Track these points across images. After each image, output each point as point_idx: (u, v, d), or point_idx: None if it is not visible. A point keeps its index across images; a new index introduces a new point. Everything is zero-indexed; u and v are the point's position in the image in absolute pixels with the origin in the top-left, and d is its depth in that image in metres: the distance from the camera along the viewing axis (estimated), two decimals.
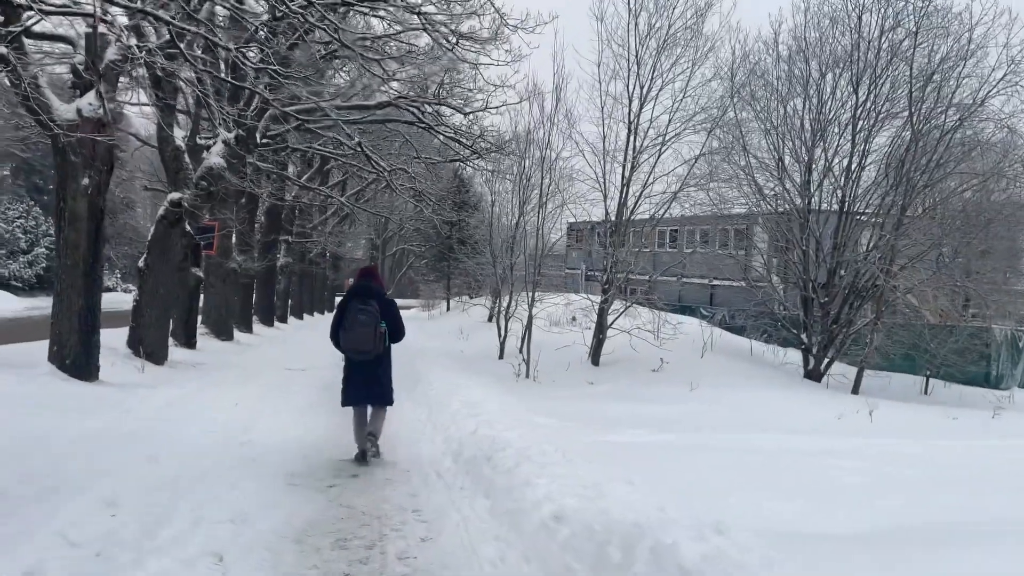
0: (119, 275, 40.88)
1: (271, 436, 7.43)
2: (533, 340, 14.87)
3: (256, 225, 25.36)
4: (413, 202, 17.88)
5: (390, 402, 6.79)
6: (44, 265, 32.78)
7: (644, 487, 4.97)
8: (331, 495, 5.32)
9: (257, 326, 23.48)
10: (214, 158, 12.91)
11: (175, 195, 12.37)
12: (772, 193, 17.20)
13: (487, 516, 4.70)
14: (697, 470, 5.83)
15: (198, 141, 15.35)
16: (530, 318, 14.82)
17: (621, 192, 15.19)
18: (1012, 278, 21.60)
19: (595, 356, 15.52)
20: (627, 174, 15.04)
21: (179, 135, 12.68)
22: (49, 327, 9.79)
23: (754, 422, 9.56)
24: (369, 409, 6.75)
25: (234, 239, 19.47)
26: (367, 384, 6.62)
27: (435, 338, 23.00)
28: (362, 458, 6.50)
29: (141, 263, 12.72)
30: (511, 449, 5.91)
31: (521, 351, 17.50)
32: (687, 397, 11.87)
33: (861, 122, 16.22)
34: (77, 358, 9.63)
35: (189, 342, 15.52)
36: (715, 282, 28.04)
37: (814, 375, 16.69)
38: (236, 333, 19.73)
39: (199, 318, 18.41)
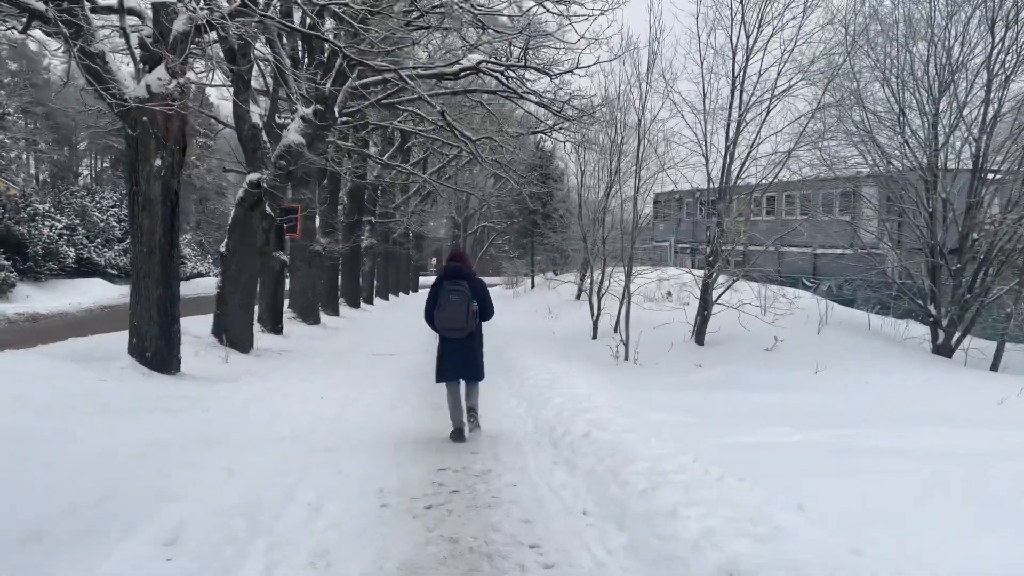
0: (211, 260, 41.68)
1: (359, 437, 6.65)
2: (629, 318, 13.76)
3: (339, 207, 25.00)
4: (500, 173, 16.90)
5: (482, 376, 7.05)
6: None
7: (820, 516, 3.90)
8: (429, 521, 4.44)
9: (344, 308, 23.14)
10: (292, 135, 12.25)
11: (254, 175, 11.78)
12: (892, 151, 15.47)
13: (629, 559, 3.71)
14: (872, 485, 4.68)
15: (277, 120, 14.79)
16: (628, 295, 13.69)
17: (725, 154, 13.81)
18: None
19: (699, 335, 14.29)
20: (732, 134, 13.64)
21: (256, 112, 12.07)
22: (128, 318, 9.34)
23: (904, 412, 8.24)
24: (463, 386, 6.95)
25: (317, 221, 19.02)
26: (461, 360, 6.86)
27: (522, 317, 22.14)
28: (459, 436, 6.73)
29: (222, 248, 12.24)
30: (640, 462, 4.90)
31: (616, 330, 16.43)
32: (814, 382, 10.57)
33: (997, 66, 14.28)
34: (158, 351, 9.14)
35: (275, 327, 15.11)
36: (819, 250, 26.16)
37: (944, 350, 14.98)
38: (323, 316, 19.36)
39: (285, 302, 18.08)
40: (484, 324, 7.08)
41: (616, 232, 16.85)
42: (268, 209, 13.61)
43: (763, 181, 14.14)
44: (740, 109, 13.69)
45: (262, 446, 6.04)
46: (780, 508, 3.98)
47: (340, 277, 24.61)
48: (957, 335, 14.91)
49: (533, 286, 32.83)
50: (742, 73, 13.51)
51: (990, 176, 15.01)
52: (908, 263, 16.25)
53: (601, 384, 9.30)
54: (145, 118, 8.91)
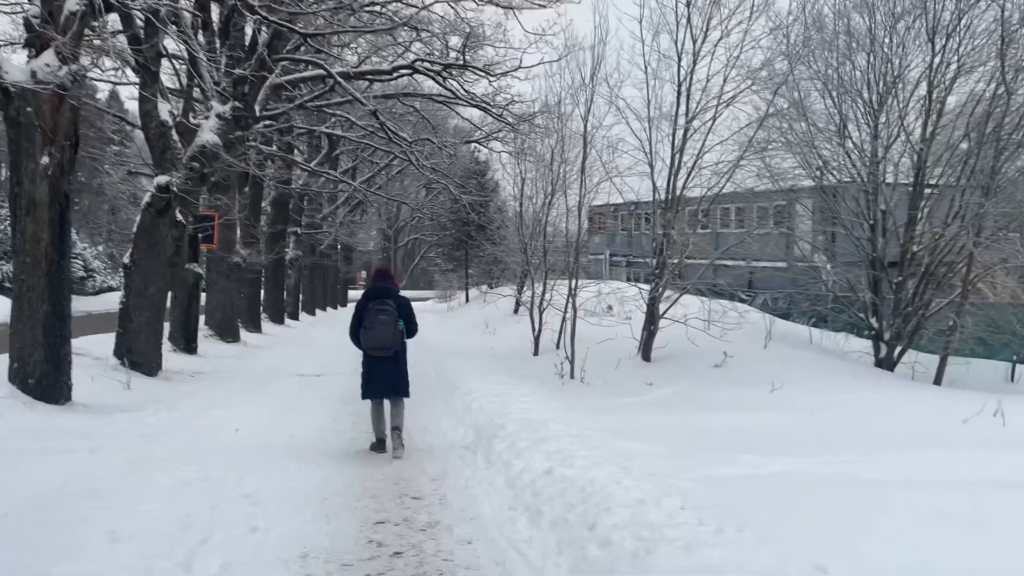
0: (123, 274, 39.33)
1: (281, 479, 5.66)
2: (575, 334, 13.04)
3: (263, 217, 23.66)
4: (437, 179, 16.06)
5: (407, 394, 7.13)
6: None
7: None
8: None
9: (267, 324, 21.77)
10: (207, 135, 11.11)
11: (162, 178, 10.58)
12: (834, 162, 15.27)
13: None
14: (894, 528, 4.01)
15: (191, 120, 13.56)
16: (574, 309, 12.98)
17: (672, 163, 13.29)
18: None
19: (646, 351, 13.68)
20: (679, 142, 13.12)
21: (165, 109, 10.87)
22: (8, 339, 8.05)
23: (876, 434, 7.71)
24: (387, 404, 7.04)
25: (238, 231, 17.72)
26: (386, 379, 6.94)
27: (459, 334, 21.24)
28: (380, 447, 6.90)
29: (126, 259, 10.98)
30: (620, 510, 4.10)
31: (559, 346, 15.72)
32: (773, 401, 10.01)
33: (938, 76, 14.22)
34: (44, 376, 7.89)
35: (189, 347, 13.80)
36: (754, 263, 26.15)
37: (887, 363, 14.78)
38: (243, 333, 18.03)
39: (201, 319, 16.74)
40: (416, 341, 7.27)
41: (558, 242, 16.17)
42: (179, 216, 12.40)
43: (708, 191, 13.67)
44: (687, 116, 13.20)
45: (161, 496, 4.99)
46: (796, 567, 3.24)
47: (263, 291, 23.23)
48: (898, 349, 14.73)
49: (468, 300, 31.95)
50: (688, 78, 13.03)
51: (927, 190, 14.93)
52: (849, 275, 16.06)
53: (553, 407, 8.49)
54: (30, 109, 7.71)
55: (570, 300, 13.06)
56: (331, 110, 18.18)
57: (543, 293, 16.14)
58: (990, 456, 6.42)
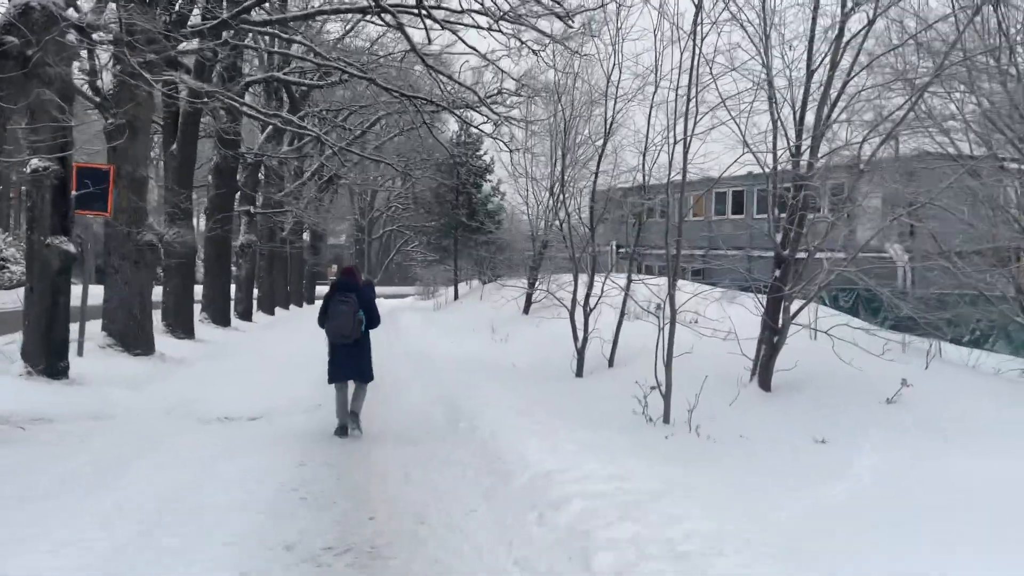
0: None
1: None
2: (671, 355, 8.15)
3: (204, 189, 18.62)
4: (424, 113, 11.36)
5: (370, 378, 7.75)
6: None
7: None
8: None
9: (205, 328, 16.66)
10: None
11: None
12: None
13: None
14: None
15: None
16: (672, 311, 8.03)
17: (809, 81, 8.43)
18: None
19: (764, 376, 8.89)
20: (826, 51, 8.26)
21: None
22: None
23: None
24: (351, 387, 7.58)
25: (155, 197, 12.68)
26: (349, 363, 7.56)
27: (459, 339, 16.30)
28: (343, 432, 7.38)
29: None
30: None
31: (612, 364, 10.93)
32: None
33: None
34: None
35: (53, 368, 8.75)
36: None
37: None
38: (164, 341, 12.98)
39: (97, 323, 11.79)
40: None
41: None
42: (38, 163, 7.56)
43: (869, 139, 8.78)
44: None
45: None
46: None
47: (205, 284, 18.11)
48: None
49: (457, 297, 26.97)
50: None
51: None
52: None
53: (701, 514, 3.68)
54: None
55: (670, 296, 8.14)
56: (288, 33, 13.18)
57: (589, 288, 11.29)
58: None
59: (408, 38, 11.00)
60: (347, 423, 7.36)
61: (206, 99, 12.80)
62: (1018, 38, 9.08)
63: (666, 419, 7.86)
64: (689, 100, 7.88)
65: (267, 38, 14.65)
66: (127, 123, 11.40)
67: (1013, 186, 9.93)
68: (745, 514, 4.37)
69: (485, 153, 28.27)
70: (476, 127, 13.03)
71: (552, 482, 4.78)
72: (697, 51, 7.82)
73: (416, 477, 5.63)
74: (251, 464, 5.72)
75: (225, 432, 7.00)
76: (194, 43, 12.62)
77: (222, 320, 17.98)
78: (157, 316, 13.72)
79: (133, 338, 11.61)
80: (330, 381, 7.57)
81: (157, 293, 14.91)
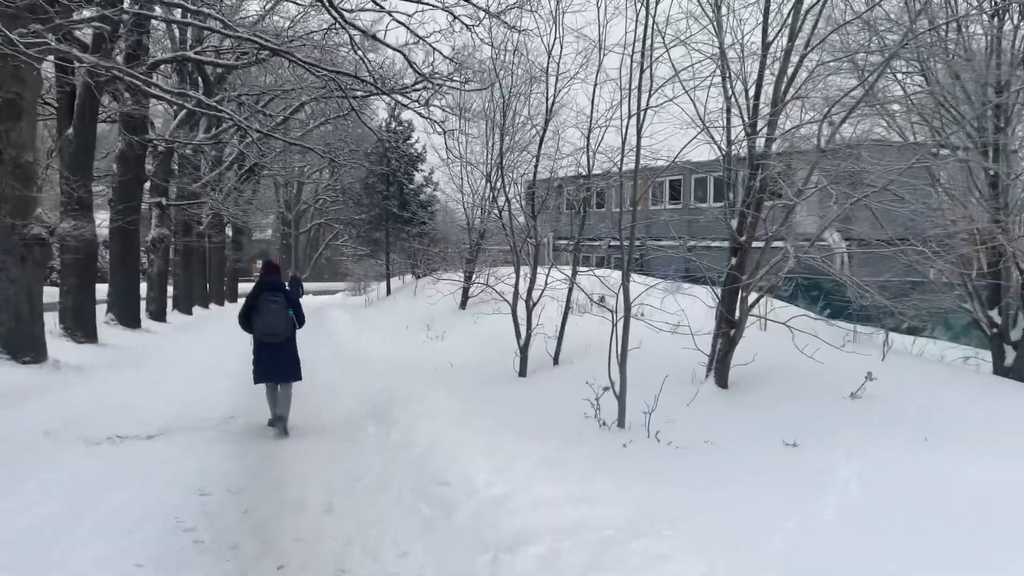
0: None
1: None
2: (625, 351, 7.44)
3: (107, 178, 17.14)
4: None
5: (298, 378, 7.65)
6: None
7: None
8: None
9: (110, 330, 15.22)
10: None
11: None
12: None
13: None
14: None
15: None
16: (628, 306, 7.30)
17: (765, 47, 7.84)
18: None
19: (721, 372, 8.27)
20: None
21: None
22: None
23: None
24: (279, 388, 7.48)
25: (50, 189, 11.32)
26: (275, 363, 7.47)
27: (392, 338, 15.33)
28: (276, 422, 7.39)
29: None
30: None
31: (557, 361, 10.19)
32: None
33: None
34: None
35: None
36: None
37: (1018, 373, 10.00)
38: (59, 346, 11.65)
39: None
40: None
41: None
42: None
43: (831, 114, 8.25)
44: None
45: None
46: None
47: (110, 282, 16.62)
48: None
49: (390, 292, 25.85)
50: None
51: None
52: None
53: (683, 536, 2.97)
54: None
55: (624, 289, 7.39)
56: (198, 5, 11.95)
57: (532, 281, 10.52)
58: None
59: (328, 8, 9.99)
60: (279, 418, 7.36)
61: (104, 76, 11.49)
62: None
63: (620, 423, 7.14)
64: (643, 71, 7.14)
65: (177, 11, 13.31)
66: (8, 103, 10.11)
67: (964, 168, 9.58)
68: (735, 548, 3.66)
69: (416, 141, 27.22)
70: (407, 105, 12.08)
71: (504, 512, 3.98)
72: (650, 18, 7.08)
73: (339, 506, 4.75)
74: (137, 497, 4.74)
75: (114, 455, 5.95)
76: (90, 12, 11.33)
77: (131, 321, 16.53)
78: (53, 318, 12.39)
79: (20, 343, 10.28)
80: (256, 382, 7.52)
81: (54, 294, 13.58)
